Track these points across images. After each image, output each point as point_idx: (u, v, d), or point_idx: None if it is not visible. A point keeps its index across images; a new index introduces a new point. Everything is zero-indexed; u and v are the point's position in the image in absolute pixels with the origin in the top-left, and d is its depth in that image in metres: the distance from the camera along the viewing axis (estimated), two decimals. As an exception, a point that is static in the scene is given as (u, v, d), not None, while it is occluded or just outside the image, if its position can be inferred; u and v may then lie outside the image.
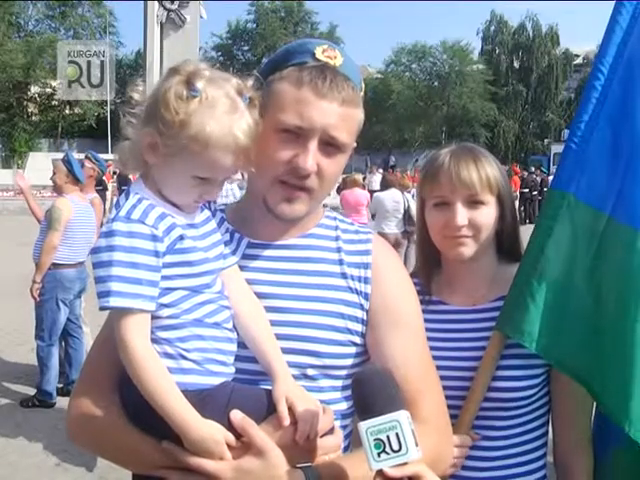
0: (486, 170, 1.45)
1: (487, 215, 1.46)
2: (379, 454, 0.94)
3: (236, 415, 1.04)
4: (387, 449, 0.93)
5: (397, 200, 8.69)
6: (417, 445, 0.94)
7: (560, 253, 1.42)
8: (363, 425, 0.95)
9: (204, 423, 1.01)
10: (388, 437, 0.93)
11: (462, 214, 1.44)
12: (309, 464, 1.07)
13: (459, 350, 1.46)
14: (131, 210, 1.05)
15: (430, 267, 1.57)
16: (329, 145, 1.16)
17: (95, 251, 1.03)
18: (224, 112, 1.05)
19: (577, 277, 1.40)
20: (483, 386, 1.41)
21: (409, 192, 9.28)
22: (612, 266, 1.37)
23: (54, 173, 5.10)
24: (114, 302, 1.01)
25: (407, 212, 8.57)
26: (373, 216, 8.98)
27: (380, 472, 0.94)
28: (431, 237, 1.52)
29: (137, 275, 1.01)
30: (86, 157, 6.01)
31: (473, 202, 1.45)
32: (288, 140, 1.15)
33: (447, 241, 1.48)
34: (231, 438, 1.03)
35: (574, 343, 1.39)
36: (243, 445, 1.04)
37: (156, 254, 1.03)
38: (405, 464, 0.94)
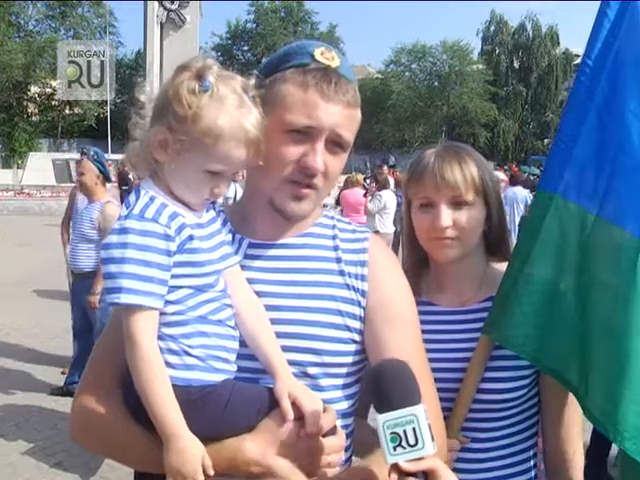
0: (471, 170, 1.44)
1: (472, 216, 1.45)
2: (395, 448, 0.94)
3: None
4: (403, 443, 0.93)
5: (393, 200, 8.78)
6: (433, 440, 0.94)
7: (548, 255, 1.40)
8: (380, 418, 0.95)
9: (189, 436, 1.02)
10: (405, 431, 0.93)
11: (446, 215, 1.43)
12: None
13: (448, 351, 1.46)
14: (144, 208, 1.06)
15: (419, 267, 1.57)
16: (335, 144, 1.19)
17: (106, 247, 1.04)
18: (234, 106, 1.07)
19: (565, 279, 1.38)
20: (471, 390, 1.41)
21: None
22: (600, 267, 1.34)
23: (81, 174, 4.80)
24: (125, 299, 1.01)
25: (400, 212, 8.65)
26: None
27: (395, 466, 0.94)
28: (418, 239, 1.52)
29: (149, 273, 1.02)
30: (82, 153, 5.36)
31: (458, 203, 1.44)
32: (296, 140, 1.16)
33: (433, 243, 1.48)
34: (208, 462, 1.02)
35: (561, 347, 1.37)
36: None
37: (168, 253, 1.04)
38: (421, 459, 0.94)
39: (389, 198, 8.85)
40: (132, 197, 1.10)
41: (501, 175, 11.33)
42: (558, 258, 1.40)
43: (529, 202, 9.54)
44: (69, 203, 5.78)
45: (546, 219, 1.41)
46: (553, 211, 1.40)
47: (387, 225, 8.80)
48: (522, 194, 9.69)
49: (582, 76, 1.42)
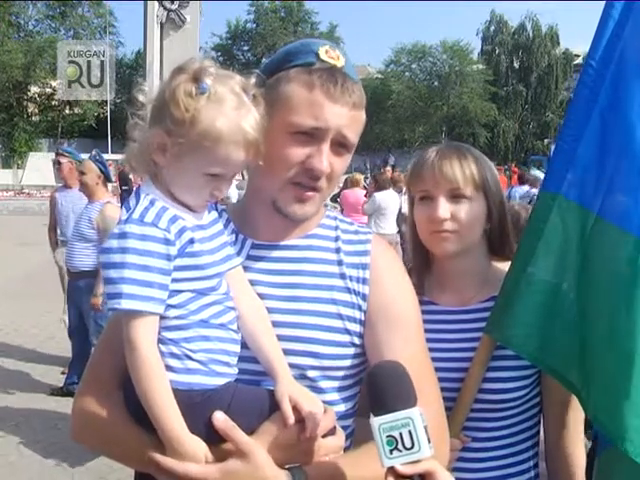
0: (471, 166, 1.45)
1: (471, 210, 1.45)
2: (391, 451, 0.93)
3: (218, 418, 1.04)
4: (399, 446, 0.93)
5: (393, 201, 8.66)
6: (429, 442, 0.94)
7: (550, 256, 1.40)
8: (376, 421, 0.94)
9: (191, 439, 1.02)
10: (401, 434, 0.93)
11: (444, 207, 1.43)
12: (297, 464, 1.07)
13: (449, 351, 1.46)
14: (144, 212, 1.05)
15: (422, 267, 1.57)
16: (340, 145, 1.18)
17: (106, 252, 1.03)
18: (232, 108, 1.06)
19: (567, 280, 1.38)
20: (473, 389, 1.41)
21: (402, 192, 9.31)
22: (601, 268, 1.34)
23: (82, 173, 4.82)
24: (125, 304, 1.01)
25: (401, 212, 8.57)
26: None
27: (392, 469, 0.94)
28: (419, 236, 1.52)
29: (149, 278, 1.01)
30: (57, 153, 5.53)
31: (456, 196, 1.45)
32: (301, 141, 1.15)
33: (432, 236, 1.48)
34: (211, 458, 1.03)
35: (563, 348, 1.37)
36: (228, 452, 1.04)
37: (168, 257, 1.04)
38: (417, 461, 0.93)
39: (385, 199, 8.66)
40: (132, 200, 1.09)
41: (540, 174, 11.38)
42: (560, 258, 1.39)
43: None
44: (51, 208, 5.82)
45: (549, 219, 1.40)
46: (556, 211, 1.40)
47: (383, 226, 8.62)
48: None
49: (586, 76, 1.41)
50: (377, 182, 9.21)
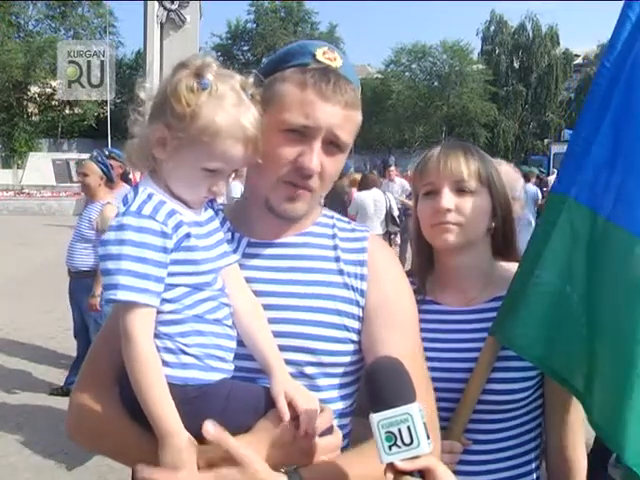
0: (476, 162, 1.46)
1: (475, 204, 1.45)
2: (390, 447, 0.93)
3: (209, 430, 1.02)
4: (398, 442, 0.93)
5: (379, 200, 8.55)
6: (429, 438, 0.94)
7: (558, 258, 1.38)
8: (375, 417, 0.95)
9: (184, 434, 1.02)
10: (400, 430, 0.93)
11: (447, 198, 1.44)
12: (294, 467, 1.07)
13: (451, 351, 1.45)
14: (142, 205, 1.06)
15: (425, 266, 1.57)
16: (332, 145, 1.18)
17: (104, 244, 1.05)
18: (232, 104, 1.07)
19: (574, 284, 1.37)
20: (476, 390, 1.40)
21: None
22: (609, 272, 1.32)
23: (85, 175, 4.86)
24: (121, 295, 1.02)
25: (389, 213, 8.49)
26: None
27: (391, 465, 0.94)
28: (422, 231, 1.52)
29: (145, 270, 1.03)
30: (107, 157, 5.43)
31: (461, 190, 1.45)
32: (292, 140, 1.16)
33: (434, 229, 1.47)
34: (202, 461, 1.01)
35: (567, 352, 1.36)
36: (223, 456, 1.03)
37: (164, 250, 1.05)
38: (416, 457, 0.93)
39: (365, 198, 8.45)
40: (130, 194, 1.10)
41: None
42: (568, 261, 1.38)
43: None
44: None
45: (558, 221, 1.39)
46: (565, 214, 1.38)
47: (372, 226, 8.44)
48: (533, 190, 9.73)
49: (600, 78, 1.39)
50: (362, 181, 9.12)
